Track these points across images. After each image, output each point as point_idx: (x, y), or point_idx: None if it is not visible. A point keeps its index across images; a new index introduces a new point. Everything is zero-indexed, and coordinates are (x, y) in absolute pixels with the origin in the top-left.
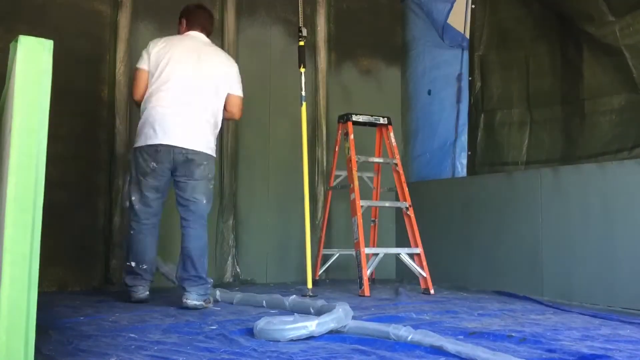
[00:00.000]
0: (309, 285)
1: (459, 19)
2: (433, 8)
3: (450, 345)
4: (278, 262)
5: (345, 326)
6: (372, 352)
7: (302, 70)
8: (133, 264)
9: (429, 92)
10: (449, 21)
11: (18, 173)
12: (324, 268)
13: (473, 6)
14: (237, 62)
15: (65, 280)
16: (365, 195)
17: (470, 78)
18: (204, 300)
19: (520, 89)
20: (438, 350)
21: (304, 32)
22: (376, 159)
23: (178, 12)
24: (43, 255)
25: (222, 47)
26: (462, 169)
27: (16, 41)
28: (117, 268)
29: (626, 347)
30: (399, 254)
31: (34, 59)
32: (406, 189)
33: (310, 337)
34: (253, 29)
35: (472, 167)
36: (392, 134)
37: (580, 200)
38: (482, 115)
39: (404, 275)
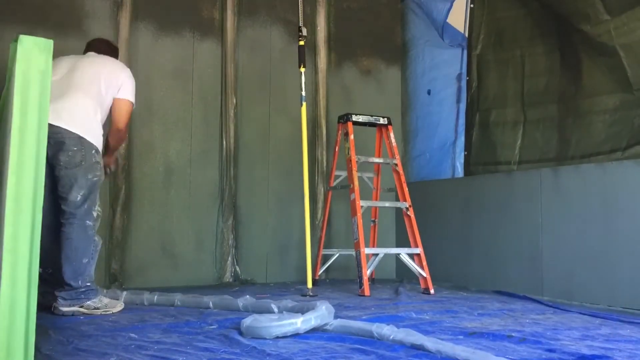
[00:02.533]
0: (309, 285)
1: (459, 18)
2: (433, 8)
3: (431, 344)
4: (278, 262)
5: (330, 324)
6: (372, 352)
7: (302, 70)
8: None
9: (429, 92)
10: (449, 21)
11: (18, 173)
12: (324, 268)
13: (472, 5)
14: (237, 62)
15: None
16: (365, 195)
17: (467, 78)
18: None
19: (515, 88)
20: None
21: (304, 31)
22: (376, 159)
23: (178, 12)
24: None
25: (222, 47)
26: (461, 169)
27: (16, 41)
28: (118, 268)
29: (626, 346)
30: (399, 254)
31: (34, 59)
32: (406, 189)
33: (309, 336)
34: (253, 29)
35: (468, 166)
36: (392, 134)
37: (580, 200)
38: (478, 114)
39: (404, 275)
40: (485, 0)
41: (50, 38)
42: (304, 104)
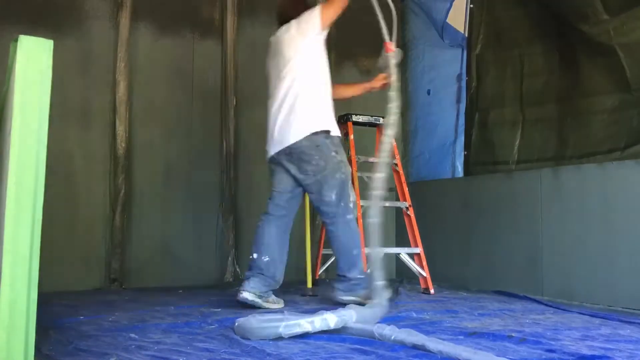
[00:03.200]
0: (309, 285)
1: (459, 18)
2: (433, 7)
3: (432, 344)
4: None
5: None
6: (372, 352)
7: None
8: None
9: (429, 92)
10: (448, 21)
11: (18, 173)
12: (323, 268)
13: (471, 5)
14: (237, 61)
15: (66, 280)
16: (365, 195)
17: (467, 77)
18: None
19: (513, 88)
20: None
21: None
22: (376, 159)
23: (178, 12)
24: (43, 255)
25: (222, 47)
26: (461, 169)
27: (16, 41)
28: (118, 268)
29: (626, 347)
30: (398, 253)
31: (34, 59)
32: (406, 189)
33: (309, 336)
34: (253, 29)
35: (467, 166)
36: None
37: (580, 200)
38: (477, 114)
39: (404, 275)
40: (485, 0)
41: (50, 38)
42: None
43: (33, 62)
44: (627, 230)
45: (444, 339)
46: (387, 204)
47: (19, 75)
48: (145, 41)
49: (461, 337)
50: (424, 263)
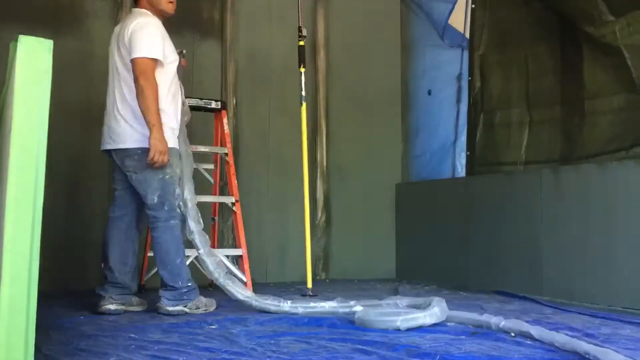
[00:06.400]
0: (309, 285)
1: (459, 18)
2: (433, 8)
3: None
4: (278, 262)
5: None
6: (373, 352)
7: (302, 70)
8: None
9: (429, 92)
10: (448, 21)
11: (18, 173)
12: (150, 274)
13: (473, 6)
14: (237, 61)
15: (66, 280)
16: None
17: (469, 78)
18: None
19: (519, 89)
20: (437, 349)
21: (304, 31)
22: (203, 148)
23: (178, 12)
24: (43, 255)
25: (221, 47)
26: (462, 169)
27: (16, 41)
28: None
29: (626, 346)
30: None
31: (34, 59)
32: (235, 182)
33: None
34: (253, 29)
35: (471, 167)
36: (225, 120)
37: (580, 200)
38: (482, 115)
39: (404, 275)
40: (487, 0)
41: (50, 38)
42: (304, 104)
43: (33, 62)
44: (627, 230)
45: (446, 339)
46: (211, 199)
47: (19, 75)
48: None
49: (463, 336)
50: (246, 266)
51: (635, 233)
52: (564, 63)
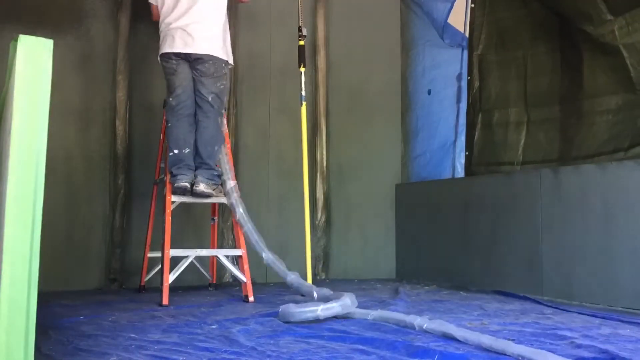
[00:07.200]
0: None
1: (459, 18)
2: (433, 8)
3: (459, 333)
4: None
5: (370, 314)
6: (373, 352)
7: (302, 70)
8: (176, 151)
9: (429, 92)
10: (449, 20)
11: (18, 172)
12: (151, 274)
13: (472, 5)
14: (237, 61)
15: (66, 280)
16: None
17: (469, 78)
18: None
19: (517, 88)
20: (437, 349)
21: (304, 31)
22: None
23: None
24: (43, 254)
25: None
26: (461, 169)
27: (16, 41)
28: (117, 268)
29: (626, 346)
30: (216, 255)
31: (34, 58)
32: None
33: (309, 336)
34: (253, 29)
35: (469, 166)
36: (225, 120)
37: (580, 200)
38: (480, 114)
39: (404, 275)
40: (486, 0)
41: (50, 38)
42: (304, 104)
43: (33, 62)
44: (627, 230)
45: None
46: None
47: (19, 75)
48: (145, 41)
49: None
50: (246, 267)
51: (634, 233)
52: (562, 63)
